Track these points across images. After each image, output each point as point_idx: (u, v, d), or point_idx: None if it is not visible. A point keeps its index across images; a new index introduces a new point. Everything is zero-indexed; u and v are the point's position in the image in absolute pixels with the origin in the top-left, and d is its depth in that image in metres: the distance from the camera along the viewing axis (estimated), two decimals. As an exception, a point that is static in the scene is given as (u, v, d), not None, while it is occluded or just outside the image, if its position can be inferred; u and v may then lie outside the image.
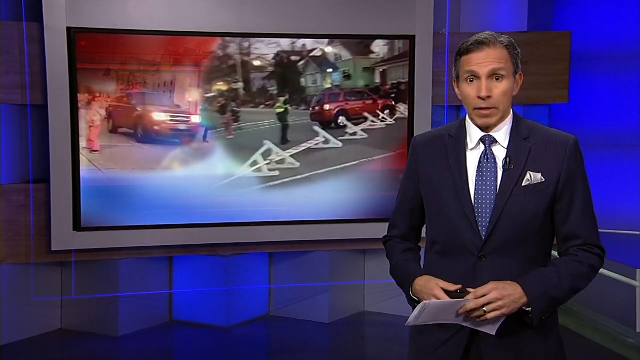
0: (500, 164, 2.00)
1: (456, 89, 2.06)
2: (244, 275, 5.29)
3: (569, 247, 2.02)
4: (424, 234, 2.22)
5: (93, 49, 4.68)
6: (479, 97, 1.96)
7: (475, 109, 1.99)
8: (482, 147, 2.02)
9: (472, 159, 2.03)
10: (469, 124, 2.05)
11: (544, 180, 1.97)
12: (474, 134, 2.03)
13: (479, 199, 1.99)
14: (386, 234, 2.27)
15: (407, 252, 2.18)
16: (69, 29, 4.61)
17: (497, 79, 1.95)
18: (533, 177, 1.97)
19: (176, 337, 5.14)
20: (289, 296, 5.46)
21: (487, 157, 2.00)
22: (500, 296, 1.89)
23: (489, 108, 1.97)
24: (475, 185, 2.00)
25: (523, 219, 1.96)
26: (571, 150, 1.99)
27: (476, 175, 2.00)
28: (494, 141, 2.01)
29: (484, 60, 1.94)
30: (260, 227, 5.04)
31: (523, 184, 1.97)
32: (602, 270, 4.69)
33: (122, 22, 4.71)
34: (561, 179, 1.98)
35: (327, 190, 5.11)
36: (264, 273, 5.48)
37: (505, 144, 2.01)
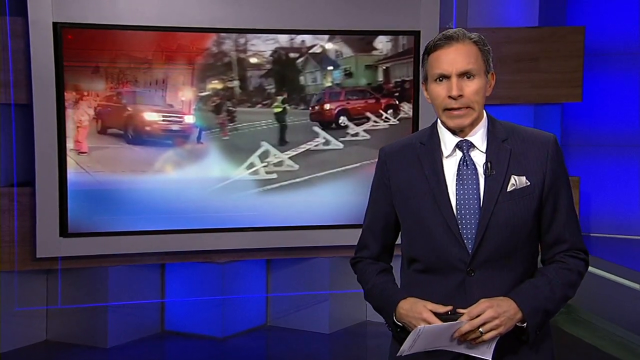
0: (480, 170, 1.94)
1: (425, 93, 2.00)
2: (239, 283, 5.24)
3: (555, 253, 1.97)
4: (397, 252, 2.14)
5: (80, 45, 4.63)
6: (449, 97, 1.90)
7: (446, 109, 1.92)
8: (459, 153, 1.96)
9: (450, 166, 1.96)
10: (442, 129, 1.99)
11: (529, 183, 1.92)
12: (448, 140, 1.97)
13: (461, 209, 1.92)
14: (354, 255, 2.17)
15: (382, 274, 2.09)
16: (55, 24, 4.54)
17: (467, 77, 1.90)
18: (518, 181, 1.92)
19: (168, 348, 5.10)
20: (287, 305, 5.41)
21: (466, 164, 1.94)
22: (496, 314, 1.83)
23: (461, 108, 1.90)
24: (457, 195, 1.93)
25: (511, 228, 1.90)
26: (553, 150, 1.95)
27: (456, 184, 1.93)
28: (472, 146, 1.95)
29: (453, 58, 1.89)
30: (257, 233, 5.00)
31: (508, 190, 1.91)
32: (613, 277, 4.73)
33: (111, 17, 4.66)
34: (546, 181, 1.93)
35: (327, 193, 5.08)
36: (261, 281, 5.43)
37: (484, 148, 1.95)
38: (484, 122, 1.98)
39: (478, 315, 1.83)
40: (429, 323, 1.84)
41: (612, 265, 4.88)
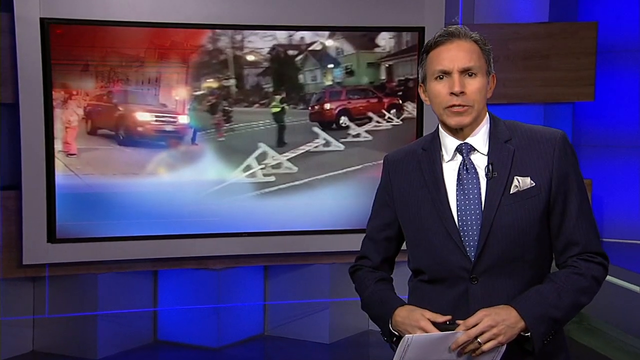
0: (482, 173, 1.94)
1: (422, 94, 2.01)
2: (236, 290, 5.22)
3: (567, 257, 1.94)
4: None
5: (69, 42, 4.61)
6: (451, 94, 1.90)
7: (447, 107, 1.92)
8: (459, 157, 1.96)
9: (450, 171, 1.96)
10: (443, 134, 1.99)
11: (534, 184, 1.90)
12: (448, 144, 1.97)
13: (462, 215, 1.92)
14: (353, 263, 2.18)
15: (381, 282, 2.09)
16: (42, 20, 4.52)
17: (469, 75, 1.91)
18: (521, 183, 1.91)
19: (161, 359, 5.07)
20: (285, 314, 5.39)
21: (466, 168, 1.94)
22: (493, 323, 1.80)
23: (463, 105, 1.90)
24: (457, 201, 1.93)
25: (516, 232, 1.89)
26: (560, 147, 1.92)
27: (457, 189, 1.94)
28: (472, 149, 1.95)
29: (455, 55, 1.90)
30: (254, 238, 4.98)
31: (511, 192, 1.90)
32: (627, 284, 4.70)
33: (101, 13, 4.64)
34: (553, 181, 1.91)
35: (327, 197, 5.06)
36: (258, 288, 5.41)
37: (485, 150, 1.95)
38: (485, 123, 1.97)
39: (475, 325, 1.81)
40: (426, 332, 1.83)
41: (626, 273, 4.85)
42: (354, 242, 4.85)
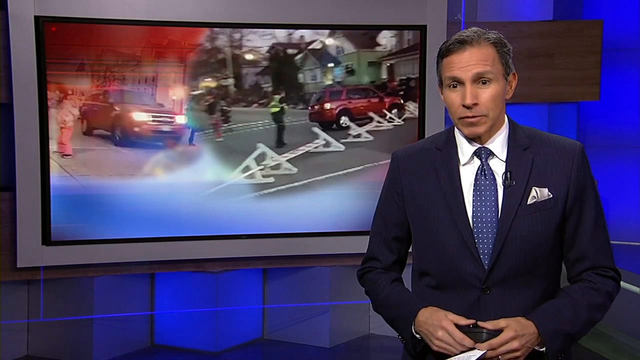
0: (499, 179, 1.92)
1: (442, 97, 1.98)
2: (234, 294, 5.22)
3: (579, 271, 1.94)
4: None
5: (64, 41, 4.61)
6: (463, 106, 1.87)
7: (460, 118, 1.89)
8: (476, 161, 1.94)
9: (467, 175, 1.94)
10: (459, 135, 1.97)
11: (551, 196, 1.90)
12: (465, 147, 1.95)
13: (478, 222, 1.90)
14: (361, 266, 2.13)
15: (396, 283, 2.05)
16: (37, 18, 4.52)
17: (483, 83, 1.87)
18: (539, 194, 1.90)
19: (158, 364, 5.07)
20: (285, 317, 5.39)
21: (484, 173, 1.92)
22: (519, 346, 1.79)
23: (476, 116, 1.87)
24: (473, 207, 1.90)
25: (531, 243, 1.88)
26: (579, 160, 1.92)
27: (473, 195, 1.91)
28: (490, 154, 1.93)
29: (466, 63, 1.85)
30: (253, 240, 4.98)
31: (529, 202, 1.89)
32: (635, 288, 4.69)
33: (97, 10, 4.64)
34: (570, 194, 1.91)
35: (327, 198, 5.06)
36: (257, 291, 5.41)
37: (503, 157, 1.93)
38: (504, 129, 1.95)
39: (501, 344, 1.79)
40: (448, 331, 1.81)
41: (634, 276, 4.83)
42: (355, 245, 4.87)
